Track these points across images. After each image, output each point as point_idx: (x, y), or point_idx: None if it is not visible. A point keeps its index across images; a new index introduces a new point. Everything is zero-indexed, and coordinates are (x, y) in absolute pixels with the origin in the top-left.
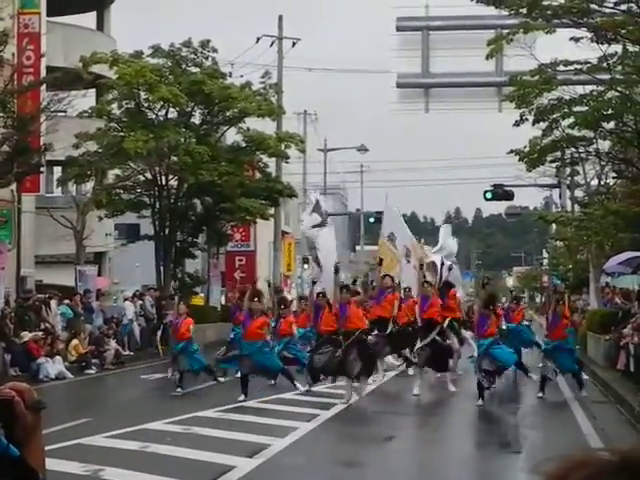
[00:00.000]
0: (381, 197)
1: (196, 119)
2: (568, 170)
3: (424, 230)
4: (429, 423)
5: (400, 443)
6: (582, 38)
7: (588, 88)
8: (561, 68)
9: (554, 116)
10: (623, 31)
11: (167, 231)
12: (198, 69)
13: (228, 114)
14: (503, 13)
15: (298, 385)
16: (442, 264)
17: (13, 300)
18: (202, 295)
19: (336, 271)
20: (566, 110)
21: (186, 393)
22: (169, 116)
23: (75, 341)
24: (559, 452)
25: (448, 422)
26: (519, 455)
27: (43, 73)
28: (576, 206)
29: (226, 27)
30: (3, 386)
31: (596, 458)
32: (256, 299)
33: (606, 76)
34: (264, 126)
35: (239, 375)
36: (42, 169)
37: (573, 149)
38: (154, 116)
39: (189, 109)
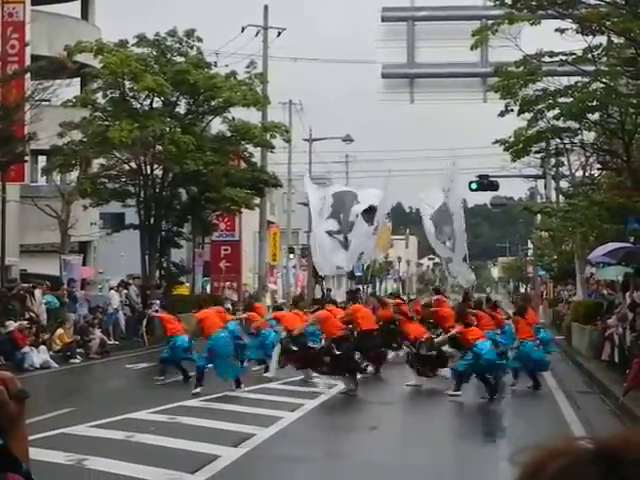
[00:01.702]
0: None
1: (181, 108)
2: (553, 161)
3: (410, 220)
4: (412, 413)
5: (383, 433)
6: (567, 29)
7: (573, 79)
8: (546, 59)
9: (539, 107)
10: (608, 23)
11: (152, 220)
12: (183, 59)
13: (213, 104)
14: (488, 4)
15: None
16: None
17: None
18: (187, 284)
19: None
20: (551, 101)
21: (170, 383)
22: (154, 105)
23: (60, 330)
24: (542, 442)
25: (431, 412)
26: (502, 444)
27: (27, 62)
28: (561, 197)
29: (211, 16)
30: None
31: (573, 447)
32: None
33: (591, 67)
34: (249, 116)
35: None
36: (26, 158)
37: (558, 140)
38: (139, 105)
39: (174, 98)
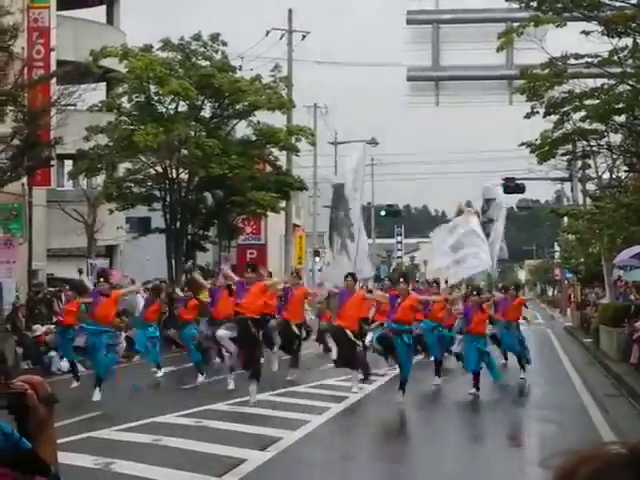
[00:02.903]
0: (392, 190)
1: (206, 112)
2: (579, 163)
3: (436, 223)
4: (437, 417)
5: (411, 436)
6: (593, 32)
7: (599, 81)
8: (572, 61)
9: (565, 109)
10: (633, 24)
11: (178, 224)
12: (208, 62)
13: (238, 107)
14: (513, 6)
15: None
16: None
17: (25, 293)
18: None
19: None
20: (577, 103)
21: (197, 386)
22: (179, 109)
23: None
24: (571, 445)
25: (456, 415)
26: (531, 449)
27: (53, 67)
28: (588, 199)
29: (236, 20)
30: (16, 379)
31: (605, 451)
32: None
33: (617, 69)
34: (274, 119)
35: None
36: (53, 162)
37: (584, 142)
38: (164, 109)
39: (199, 102)
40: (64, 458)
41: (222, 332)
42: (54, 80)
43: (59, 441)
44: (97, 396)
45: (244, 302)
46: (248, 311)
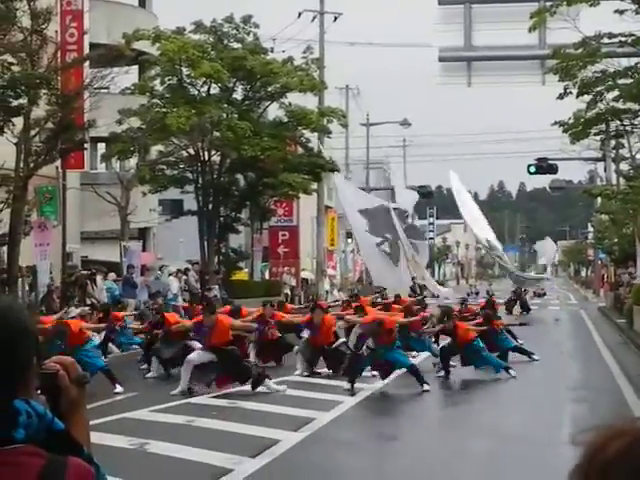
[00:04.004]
0: (424, 171)
1: (238, 95)
2: (613, 143)
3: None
4: (468, 400)
5: (442, 419)
6: (626, 10)
7: (633, 60)
8: (605, 41)
9: (598, 89)
10: None
11: (210, 206)
12: (240, 45)
13: (270, 89)
14: None
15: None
16: None
17: (59, 276)
18: (246, 270)
19: None
20: (610, 83)
21: None
22: (211, 92)
23: None
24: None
25: (485, 398)
26: (564, 427)
27: (86, 50)
28: (621, 179)
29: (268, 2)
30: (48, 360)
31: (636, 426)
32: None
33: None
34: (306, 101)
35: None
36: (86, 145)
37: (618, 122)
38: (196, 92)
39: (231, 85)
40: (99, 438)
41: (194, 356)
42: (87, 63)
43: (94, 422)
44: (119, 388)
45: (210, 339)
46: (218, 343)
